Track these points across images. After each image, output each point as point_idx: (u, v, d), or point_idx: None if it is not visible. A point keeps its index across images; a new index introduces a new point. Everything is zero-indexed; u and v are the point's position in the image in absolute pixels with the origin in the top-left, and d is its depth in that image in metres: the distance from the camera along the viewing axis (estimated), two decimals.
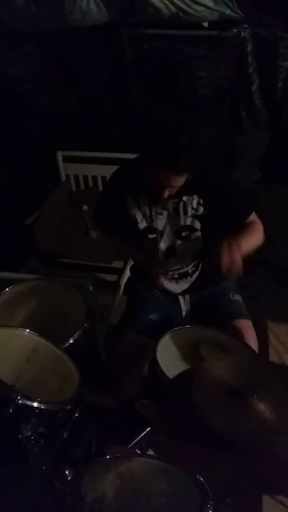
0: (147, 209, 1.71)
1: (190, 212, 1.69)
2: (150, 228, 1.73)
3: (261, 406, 1.10)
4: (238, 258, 1.48)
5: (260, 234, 1.69)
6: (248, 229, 1.66)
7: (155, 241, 1.74)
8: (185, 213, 1.69)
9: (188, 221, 1.70)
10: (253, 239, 1.64)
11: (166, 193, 1.59)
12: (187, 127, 1.47)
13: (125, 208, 1.72)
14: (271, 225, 2.89)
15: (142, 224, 1.73)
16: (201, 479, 1.14)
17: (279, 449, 1.03)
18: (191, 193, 1.67)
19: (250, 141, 2.86)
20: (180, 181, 1.56)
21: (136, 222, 1.72)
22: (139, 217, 1.72)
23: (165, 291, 1.84)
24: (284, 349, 2.30)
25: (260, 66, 2.46)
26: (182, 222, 1.71)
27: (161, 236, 1.73)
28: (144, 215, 1.72)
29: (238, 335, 1.69)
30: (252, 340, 1.70)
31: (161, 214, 1.70)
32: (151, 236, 1.74)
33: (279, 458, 1.03)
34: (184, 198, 1.67)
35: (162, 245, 1.74)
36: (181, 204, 1.68)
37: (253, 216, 1.72)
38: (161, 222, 1.71)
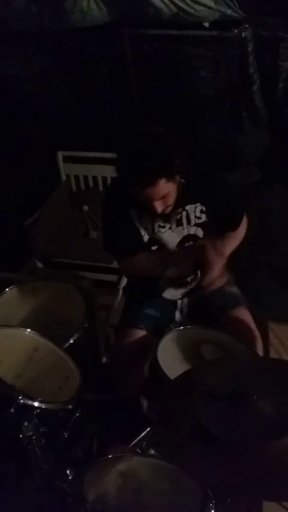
0: (149, 224, 1.67)
1: (193, 221, 1.68)
2: (153, 240, 1.71)
3: (262, 407, 1.10)
4: (221, 268, 1.57)
5: (241, 234, 1.79)
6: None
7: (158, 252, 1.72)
8: (189, 222, 1.68)
9: (192, 230, 1.69)
10: (234, 242, 1.75)
11: (160, 208, 1.53)
12: (148, 138, 1.46)
13: (130, 221, 1.68)
14: (271, 225, 2.92)
15: (146, 237, 1.70)
16: (201, 479, 1.14)
17: (280, 449, 1.03)
18: (195, 201, 1.65)
19: (251, 141, 2.86)
20: (162, 191, 1.47)
21: (141, 236, 1.70)
22: (142, 231, 1.69)
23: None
24: (285, 350, 2.30)
25: (261, 66, 2.45)
26: (185, 232, 1.69)
27: (165, 248, 1.71)
28: (146, 229, 1.69)
29: (235, 323, 1.69)
30: (250, 328, 1.70)
31: (164, 227, 1.68)
32: (154, 247, 1.71)
33: (280, 459, 1.03)
34: (187, 207, 1.66)
35: None
36: (184, 214, 1.66)
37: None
38: (164, 235, 1.69)
